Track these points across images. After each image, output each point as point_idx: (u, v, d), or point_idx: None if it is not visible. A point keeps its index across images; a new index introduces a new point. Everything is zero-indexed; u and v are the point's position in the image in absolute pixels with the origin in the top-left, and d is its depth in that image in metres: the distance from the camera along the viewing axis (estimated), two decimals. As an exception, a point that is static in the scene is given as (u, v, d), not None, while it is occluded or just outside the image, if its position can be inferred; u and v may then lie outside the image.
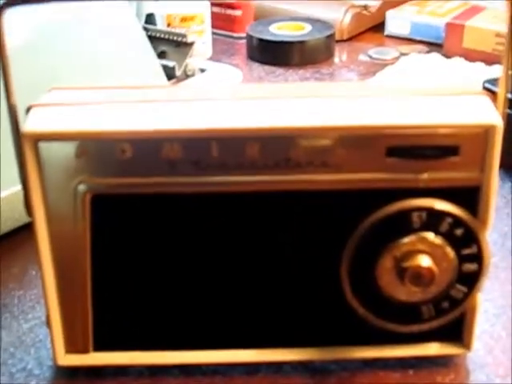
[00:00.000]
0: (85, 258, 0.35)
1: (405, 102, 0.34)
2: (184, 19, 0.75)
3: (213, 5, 0.83)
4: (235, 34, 0.86)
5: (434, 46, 0.81)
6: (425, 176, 0.33)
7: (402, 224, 0.34)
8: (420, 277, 0.34)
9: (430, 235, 0.34)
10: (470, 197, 0.34)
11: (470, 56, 0.74)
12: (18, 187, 0.34)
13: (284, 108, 0.33)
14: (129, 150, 0.33)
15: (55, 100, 0.34)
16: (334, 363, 0.38)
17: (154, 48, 0.58)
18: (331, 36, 0.80)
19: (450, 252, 0.34)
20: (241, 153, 0.33)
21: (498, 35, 0.74)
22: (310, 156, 0.33)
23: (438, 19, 0.82)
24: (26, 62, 0.47)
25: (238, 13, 0.86)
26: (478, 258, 0.34)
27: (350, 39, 0.85)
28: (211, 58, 0.77)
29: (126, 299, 0.36)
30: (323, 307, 0.36)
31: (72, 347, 0.37)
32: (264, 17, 0.86)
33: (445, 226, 0.34)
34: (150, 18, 0.69)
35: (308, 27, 0.81)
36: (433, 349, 0.37)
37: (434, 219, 0.34)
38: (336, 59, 0.80)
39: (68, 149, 0.33)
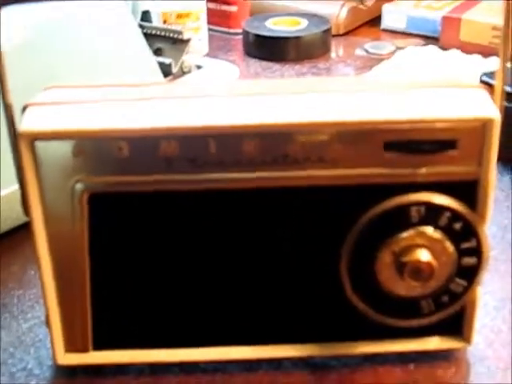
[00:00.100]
0: (83, 256, 0.35)
1: (402, 96, 0.34)
2: (180, 16, 0.75)
3: (208, 1, 0.82)
4: (231, 30, 0.86)
5: (431, 39, 0.80)
6: (423, 170, 0.33)
7: (401, 219, 0.34)
8: (419, 271, 0.34)
9: (429, 229, 0.34)
10: (469, 190, 0.34)
11: (467, 49, 0.74)
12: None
13: (281, 104, 0.33)
14: (126, 148, 0.33)
15: (51, 98, 0.34)
16: (335, 359, 0.38)
17: (150, 45, 0.58)
18: (327, 31, 0.80)
19: (449, 246, 0.34)
20: (238, 149, 0.33)
21: (494, 28, 0.74)
22: (308, 152, 0.33)
23: (434, 13, 0.82)
24: (22, 60, 0.47)
25: (233, 9, 0.85)
26: (477, 251, 0.34)
27: (346, 34, 0.85)
28: (208, 55, 0.77)
29: (124, 297, 0.36)
30: (323, 303, 0.36)
31: (72, 346, 0.37)
32: (260, 12, 0.85)
33: (443, 220, 0.34)
34: (145, 16, 0.68)
35: (304, 22, 0.80)
36: (433, 343, 0.37)
37: (432, 213, 0.34)
38: (333, 54, 0.80)
39: (65, 148, 0.33)
